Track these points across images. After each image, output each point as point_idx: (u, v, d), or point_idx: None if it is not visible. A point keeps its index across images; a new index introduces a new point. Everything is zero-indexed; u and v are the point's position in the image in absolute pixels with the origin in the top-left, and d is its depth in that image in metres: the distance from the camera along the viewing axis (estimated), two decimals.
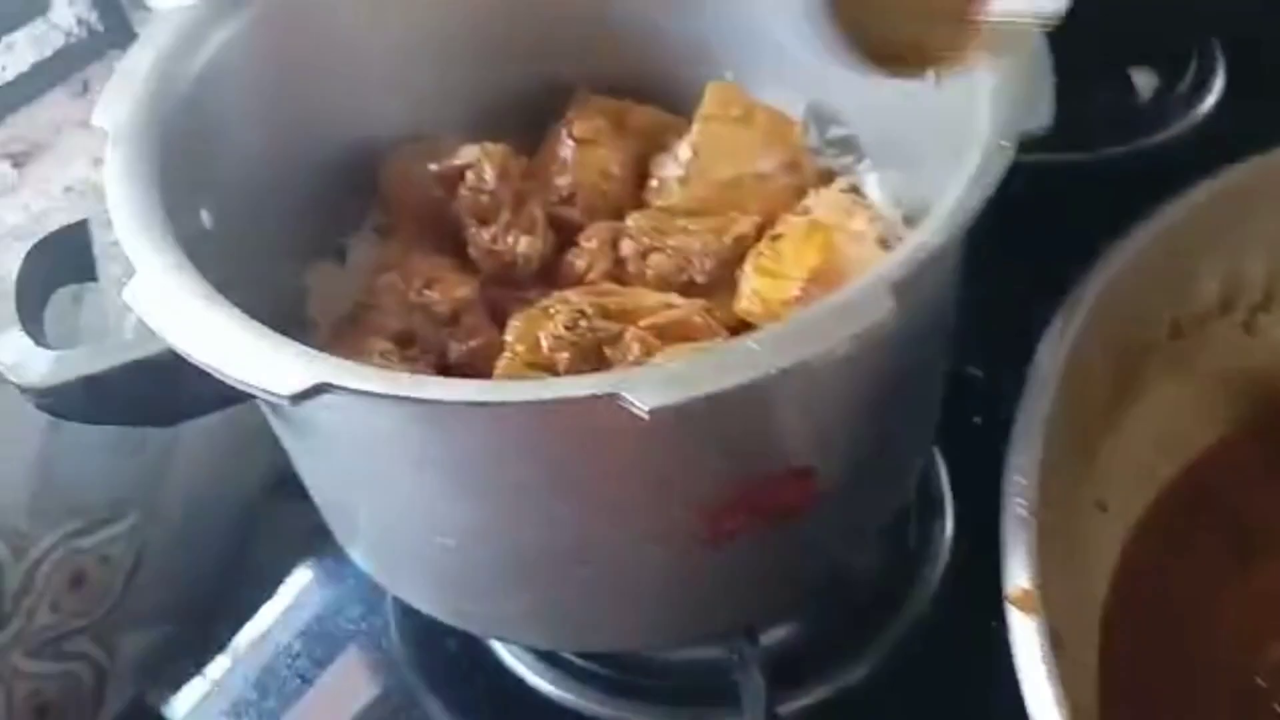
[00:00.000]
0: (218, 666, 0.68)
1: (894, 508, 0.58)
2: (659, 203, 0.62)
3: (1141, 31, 0.68)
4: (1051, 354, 0.45)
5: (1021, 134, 0.43)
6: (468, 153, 0.58)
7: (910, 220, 0.61)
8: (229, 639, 0.69)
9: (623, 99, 0.66)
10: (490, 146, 0.58)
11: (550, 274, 0.59)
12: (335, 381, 0.38)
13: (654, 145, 0.65)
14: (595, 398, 0.37)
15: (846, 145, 0.64)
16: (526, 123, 0.66)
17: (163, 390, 0.44)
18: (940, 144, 0.55)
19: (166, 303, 0.41)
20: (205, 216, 0.51)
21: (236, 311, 0.41)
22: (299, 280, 0.61)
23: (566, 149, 0.62)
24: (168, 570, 0.77)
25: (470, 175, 0.58)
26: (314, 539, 0.63)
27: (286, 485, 0.57)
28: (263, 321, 0.41)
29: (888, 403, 0.48)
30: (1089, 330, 0.48)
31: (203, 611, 0.72)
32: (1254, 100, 0.85)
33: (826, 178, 0.63)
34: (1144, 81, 0.88)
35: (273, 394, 0.38)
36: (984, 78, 0.47)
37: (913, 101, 0.57)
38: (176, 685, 0.68)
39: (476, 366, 0.56)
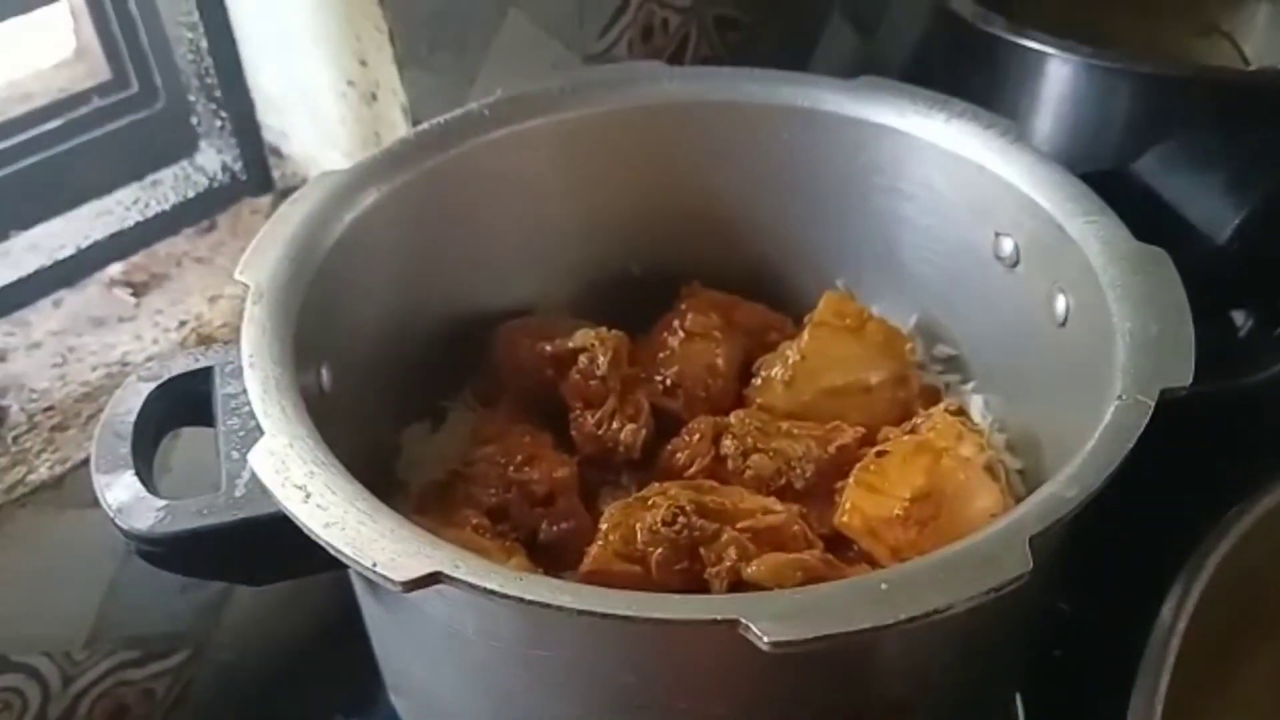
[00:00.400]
0: None
1: None
2: (760, 400, 0.62)
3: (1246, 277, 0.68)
4: (1173, 615, 0.44)
5: (1164, 391, 0.43)
6: (583, 336, 0.58)
7: (1013, 447, 0.60)
8: None
9: (731, 293, 0.67)
10: (605, 333, 0.58)
11: (645, 461, 0.59)
12: (451, 573, 0.37)
13: (759, 342, 0.66)
14: (717, 622, 0.35)
15: (953, 364, 0.64)
16: (634, 306, 0.67)
17: (267, 552, 0.43)
18: (1059, 381, 0.55)
19: (290, 470, 0.41)
20: (325, 375, 0.52)
21: (358, 487, 0.41)
22: (393, 439, 0.61)
23: (675, 340, 0.62)
24: (207, 709, 0.75)
25: (583, 359, 0.58)
26: (352, 693, 0.61)
27: (332, 633, 0.56)
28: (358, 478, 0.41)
29: (993, 645, 0.47)
30: (1209, 594, 0.46)
31: None
32: None
33: (933, 395, 0.63)
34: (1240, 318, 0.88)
35: (388, 579, 0.37)
36: (1118, 323, 0.47)
37: (1030, 333, 0.57)
38: None
39: (566, 548, 0.55)
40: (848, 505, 0.54)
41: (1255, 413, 0.77)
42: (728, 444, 0.57)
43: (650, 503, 0.54)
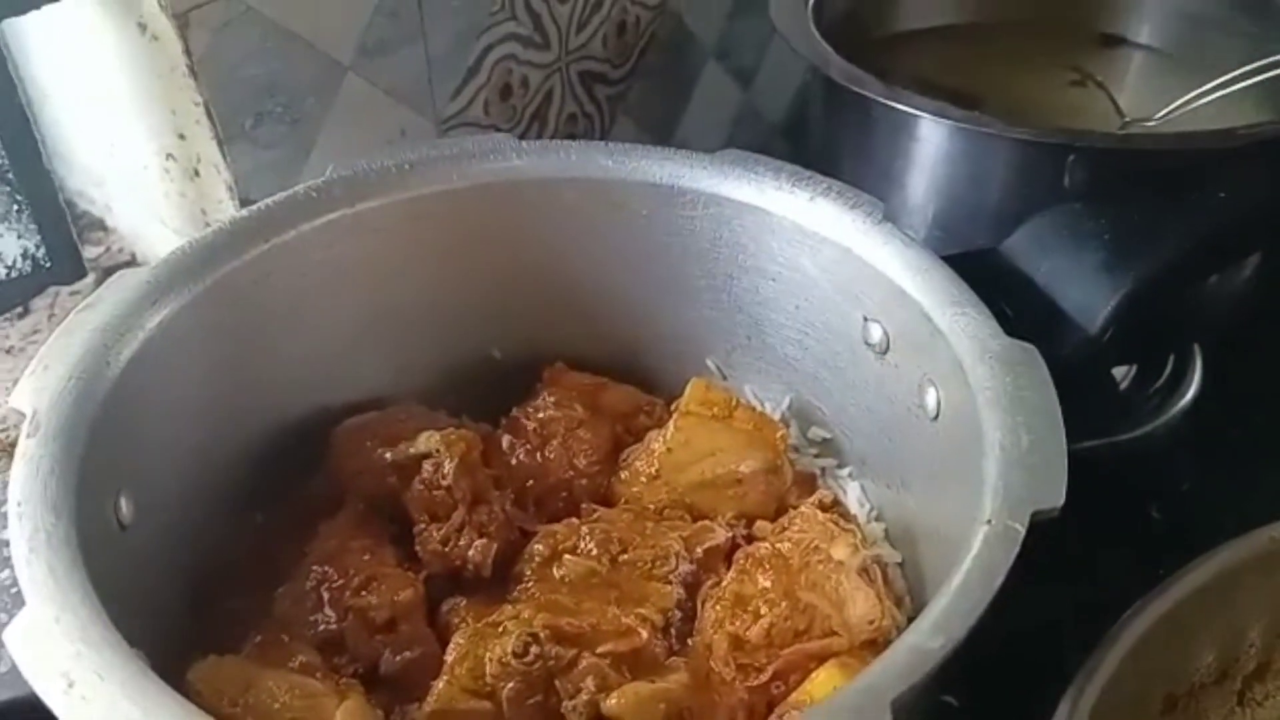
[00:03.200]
0: None
1: None
2: (627, 495, 0.58)
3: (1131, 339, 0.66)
4: None
5: (1035, 514, 0.40)
6: (426, 441, 0.53)
7: (892, 538, 0.57)
8: None
9: (599, 374, 0.63)
10: (452, 436, 0.53)
11: (501, 573, 0.54)
12: None
13: (628, 427, 0.62)
14: None
15: (828, 447, 0.61)
16: (496, 391, 0.63)
17: None
18: (933, 471, 0.52)
19: (52, 652, 0.35)
20: (124, 506, 0.46)
21: (134, 670, 0.35)
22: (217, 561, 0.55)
23: (535, 437, 0.57)
24: None
25: (427, 467, 0.53)
26: None
27: None
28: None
29: None
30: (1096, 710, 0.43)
31: None
32: (1230, 396, 0.84)
33: (808, 482, 0.59)
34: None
35: None
36: (987, 430, 0.44)
37: (903, 424, 0.54)
38: None
39: (410, 678, 0.50)
40: (709, 632, 0.50)
41: (1138, 466, 0.76)
42: (568, 561, 0.53)
43: (501, 629, 0.49)
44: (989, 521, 0.40)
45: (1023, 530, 0.39)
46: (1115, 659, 0.43)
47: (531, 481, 0.57)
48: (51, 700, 0.34)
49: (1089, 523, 0.64)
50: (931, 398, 0.51)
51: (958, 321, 0.49)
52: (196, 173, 0.60)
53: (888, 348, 0.54)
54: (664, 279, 0.61)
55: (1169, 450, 0.76)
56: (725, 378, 0.63)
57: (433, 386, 0.62)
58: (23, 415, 0.44)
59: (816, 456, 0.61)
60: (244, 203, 0.60)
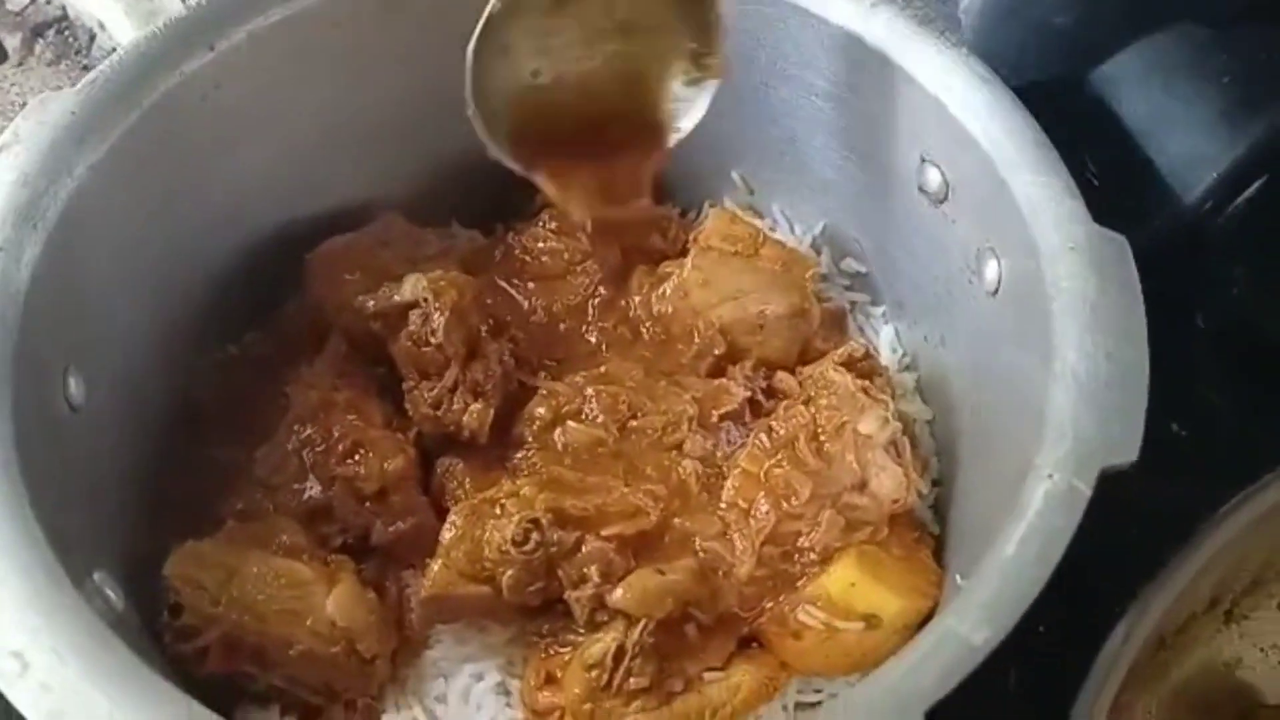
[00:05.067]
0: None
1: None
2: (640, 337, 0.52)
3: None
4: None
5: (1104, 469, 0.35)
6: (413, 287, 0.47)
7: (924, 390, 0.52)
8: None
9: None
10: (441, 282, 0.47)
11: (505, 427, 0.49)
12: None
13: (640, 247, 0.55)
14: None
15: (862, 282, 0.55)
16: (484, 192, 0.55)
17: None
18: (983, 340, 0.46)
19: (3, 629, 0.32)
20: (74, 385, 0.41)
21: (99, 640, 0.32)
22: None
23: (535, 275, 0.51)
24: None
25: (414, 318, 0.47)
26: None
27: None
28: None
29: None
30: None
31: None
32: None
33: (837, 320, 0.54)
34: None
35: None
36: (1058, 344, 0.38)
37: (953, 285, 0.48)
38: None
39: (404, 549, 0.47)
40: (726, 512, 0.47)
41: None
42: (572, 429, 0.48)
43: (500, 508, 0.46)
44: (1050, 476, 0.35)
45: (1088, 492, 0.35)
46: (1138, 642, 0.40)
47: (533, 324, 0.52)
48: (5, 687, 0.31)
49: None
50: (992, 270, 0.44)
51: (1037, 194, 0.41)
52: None
53: (946, 197, 0.46)
54: None
55: (1225, 246, 0.70)
56: (752, 192, 0.56)
57: (417, 192, 0.55)
58: None
59: (848, 289, 0.55)
60: None
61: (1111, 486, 0.35)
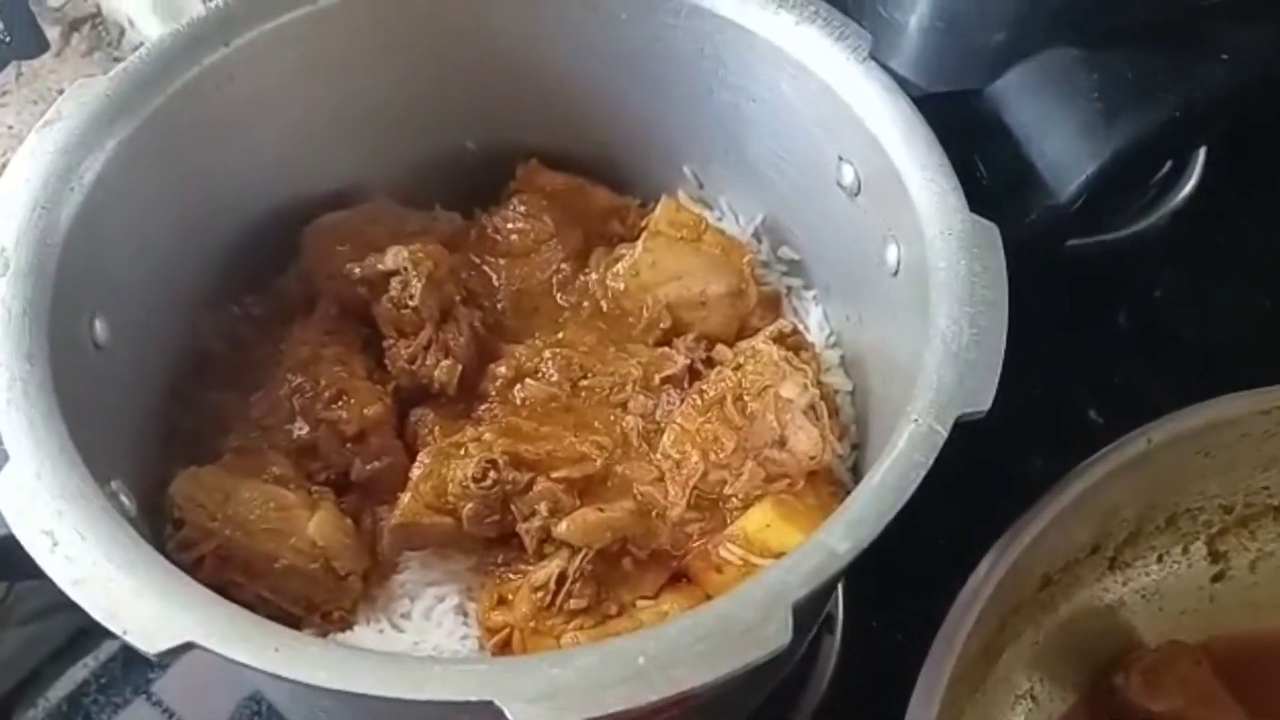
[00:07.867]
0: None
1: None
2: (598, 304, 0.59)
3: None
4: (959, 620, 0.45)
5: (960, 418, 0.42)
6: (395, 257, 0.54)
7: (847, 365, 0.59)
8: None
9: (575, 173, 0.62)
10: (420, 254, 0.54)
11: (472, 384, 0.56)
12: (204, 644, 0.36)
13: (601, 230, 0.62)
14: (470, 703, 0.36)
15: (796, 269, 0.62)
16: (465, 181, 0.63)
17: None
18: (888, 318, 0.53)
19: (35, 510, 0.38)
20: (99, 327, 0.48)
21: (114, 524, 0.39)
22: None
23: (504, 252, 0.58)
24: None
25: (395, 284, 0.54)
26: None
27: None
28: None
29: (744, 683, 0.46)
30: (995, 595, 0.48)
31: None
32: (1228, 192, 0.83)
33: (773, 302, 0.61)
34: None
35: (139, 649, 0.36)
36: (933, 312, 0.45)
37: (866, 267, 0.54)
38: None
39: (379, 485, 0.54)
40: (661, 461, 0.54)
41: (1116, 268, 0.76)
42: (529, 385, 0.55)
43: (463, 450, 0.53)
44: (915, 420, 0.42)
45: (944, 434, 0.41)
46: (1018, 548, 0.47)
47: (500, 294, 0.58)
48: (38, 557, 0.38)
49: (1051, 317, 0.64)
50: (892, 254, 0.51)
51: (926, 187, 0.48)
52: None
53: (859, 191, 0.53)
54: (644, 84, 0.59)
55: (1151, 253, 0.77)
56: (702, 186, 0.63)
57: (405, 177, 0.62)
58: None
59: (785, 275, 0.62)
60: None
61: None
